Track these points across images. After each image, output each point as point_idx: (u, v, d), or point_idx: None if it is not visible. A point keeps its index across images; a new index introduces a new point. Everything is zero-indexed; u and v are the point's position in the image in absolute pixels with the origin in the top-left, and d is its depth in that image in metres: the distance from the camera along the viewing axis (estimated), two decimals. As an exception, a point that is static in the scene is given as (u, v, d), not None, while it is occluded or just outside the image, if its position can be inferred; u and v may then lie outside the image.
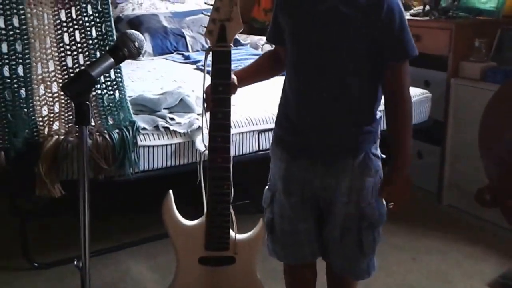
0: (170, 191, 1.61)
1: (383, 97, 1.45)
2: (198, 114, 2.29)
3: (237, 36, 4.30)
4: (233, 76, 1.49)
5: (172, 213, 1.60)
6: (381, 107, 1.45)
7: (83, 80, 1.34)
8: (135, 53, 1.44)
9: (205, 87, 1.48)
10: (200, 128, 2.17)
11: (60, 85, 2.04)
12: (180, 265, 1.62)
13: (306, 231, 1.53)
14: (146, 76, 3.06)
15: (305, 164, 1.46)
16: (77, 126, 1.55)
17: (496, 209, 2.64)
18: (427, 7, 3.00)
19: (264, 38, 3.78)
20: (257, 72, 1.63)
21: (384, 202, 1.50)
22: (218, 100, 1.45)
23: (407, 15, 3.14)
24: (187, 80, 2.87)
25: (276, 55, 1.58)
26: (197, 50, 3.90)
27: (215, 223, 1.56)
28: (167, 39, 4.04)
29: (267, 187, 1.59)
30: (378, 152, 1.49)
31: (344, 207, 1.46)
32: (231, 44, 1.43)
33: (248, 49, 4.05)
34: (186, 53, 3.81)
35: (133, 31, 1.46)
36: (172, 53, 3.96)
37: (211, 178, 1.51)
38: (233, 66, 3.06)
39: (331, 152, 1.43)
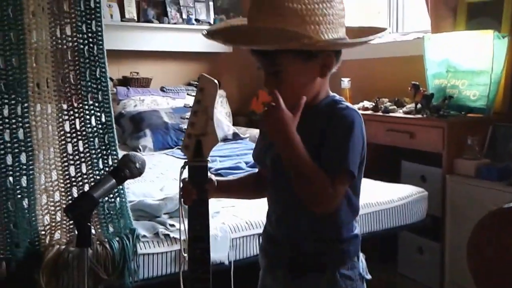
0: None
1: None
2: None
3: (236, 130, 4.44)
4: (214, 178, 1.51)
5: None
6: (358, 228, 1.48)
7: (85, 202, 1.38)
8: (137, 174, 1.50)
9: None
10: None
11: (63, 196, 2.08)
12: None
13: None
14: (146, 174, 3.09)
15: (277, 274, 1.49)
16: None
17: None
18: (419, 105, 3.09)
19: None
20: (238, 188, 1.65)
21: None
22: (195, 213, 1.45)
23: (399, 112, 3.25)
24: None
25: (259, 177, 1.61)
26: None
27: None
28: (167, 135, 4.14)
29: None
30: (353, 273, 1.45)
31: None
32: (208, 159, 1.46)
33: (248, 143, 4.14)
34: (186, 149, 3.88)
35: (135, 153, 1.52)
36: (172, 148, 4.05)
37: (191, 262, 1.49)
38: (233, 163, 3.11)
39: (299, 267, 1.45)
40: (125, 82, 4.72)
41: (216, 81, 1.45)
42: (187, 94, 4.74)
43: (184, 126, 4.44)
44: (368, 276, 1.51)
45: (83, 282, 1.39)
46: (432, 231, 3.03)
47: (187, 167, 1.46)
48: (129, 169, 1.46)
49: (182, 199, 1.47)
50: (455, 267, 2.86)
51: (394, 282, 3.18)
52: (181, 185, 1.47)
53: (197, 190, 1.44)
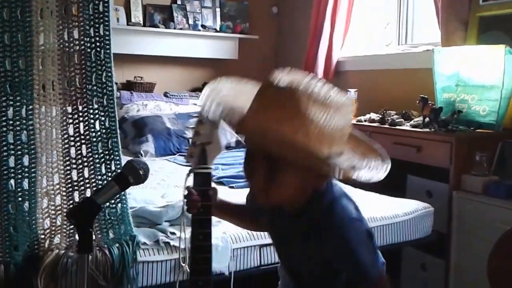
0: None
1: None
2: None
3: (239, 137, 4.40)
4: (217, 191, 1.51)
5: None
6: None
7: (88, 208, 1.36)
8: (140, 180, 1.47)
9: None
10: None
11: (65, 200, 2.05)
12: None
13: None
14: (147, 180, 3.05)
15: None
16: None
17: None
18: (427, 119, 3.05)
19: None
20: (238, 216, 1.62)
21: None
22: (198, 221, 1.45)
23: (407, 126, 3.21)
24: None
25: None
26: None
27: None
28: (170, 141, 4.11)
29: None
30: None
31: None
32: (212, 166, 1.46)
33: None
34: (189, 155, 3.85)
35: (139, 159, 1.50)
36: (174, 154, 4.02)
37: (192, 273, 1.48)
38: (235, 171, 3.07)
39: None
40: (129, 86, 4.70)
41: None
42: (191, 101, 4.71)
43: (189, 135, 4.42)
44: None
45: (82, 288, 1.36)
46: (436, 248, 2.99)
47: (191, 174, 1.45)
48: (133, 175, 1.44)
49: (185, 207, 1.45)
50: (460, 285, 2.81)
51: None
52: (186, 192, 1.45)
53: (202, 198, 1.42)
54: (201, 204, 1.43)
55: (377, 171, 1.28)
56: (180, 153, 3.98)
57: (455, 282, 2.85)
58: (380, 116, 3.40)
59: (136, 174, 1.44)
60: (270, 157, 1.21)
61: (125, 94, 4.53)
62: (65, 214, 1.98)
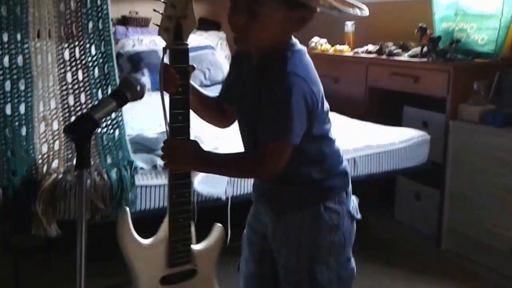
0: (127, 208, 1.57)
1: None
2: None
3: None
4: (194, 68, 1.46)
5: (130, 233, 1.53)
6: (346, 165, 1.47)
7: (85, 123, 1.35)
8: (137, 96, 1.45)
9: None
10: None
11: (61, 123, 2.05)
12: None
13: (259, 279, 1.53)
14: (144, 112, 3.06)
15: (262, 211, 1.48)
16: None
17: (498, 256, 2.62)
18: (425, 48, 3.02)
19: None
20: (204, 105, 1.55)
21: None
22: (177, 101, 1.41)
23: (404, 56, 3.18)
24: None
25: (223, 107, 1.55)
26: (195, 87, 3.93)
27: (178, 236, 1.53)
28: (166, 75, 4.06)
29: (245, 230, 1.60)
30: (340, 208, 1.43)
31: (295, 264, 1.43)
32: (187, 42, 1.40)
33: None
34: (185, 89, 3.83)
35: (136, 75, 1.47)
36: (171, 88, 3.99)
37: (172, 187, 1.48)
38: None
39: (278, 205, 1.44)
40: (124, 21, 4.62)
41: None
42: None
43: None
44: (358, 216, 1.48)
45: (81, 207, 1.37)
46: (430, 178, 3.02)
47: (167, 51, 1.39)
48: (130, 91, 1.41)
49: (163, 86, 1.41)
50: (455, 214, 2.85)
51: (391, 229, 3.19)
52: (162, 69, 1.40)
53: (180, 76, 1.38)
54: (180, 83, 1.39)
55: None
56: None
57: (449, 211, 2.89)
58: (378, 47, 3.36)
59: (133, 90, 1.42)
60: None
61: (120, 29, 4.45)
62: (62, 129, 1.96)
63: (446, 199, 2.90)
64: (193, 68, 1.44)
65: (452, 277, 2.63)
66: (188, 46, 1.40)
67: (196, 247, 1.59)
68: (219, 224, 1.66)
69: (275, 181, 1.41)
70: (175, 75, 1.38)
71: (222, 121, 1.58)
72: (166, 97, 1.44)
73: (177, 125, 1.42)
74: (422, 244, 2.99)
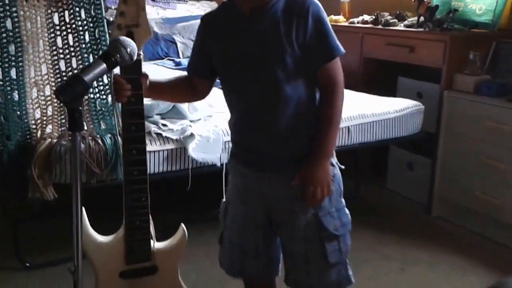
0: (83, 208, 1.54)
1: None
2: (191, 121, 2.29)
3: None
4: (147, 75, 1.44)
5: (85, 230, 1.54)
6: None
7: (76, 85, 1.33)
8: (127, 59, 1.43)
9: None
10: (193, 135, 2.17)
11: (53, 89, 2.04)
12: (100, 283, 1.58)
13: (253, 244, 1.54)
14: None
15: (259, 175, 1.47)
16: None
17: (486, 222, 2.66)
18: (422, 18, 3.00)
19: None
20: (171, 90, 1.56)
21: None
22: (129, 112, 1.40)
23: (400, 26, 3.16)
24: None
25: (192, 83, 1.54)
26: (188, 56, 3.91)
27: (134, 237, 1.53)
28: (158, 45, 4.04)
29: (223, 199, 1.60)
30: (334, 160, 1.48)
31: (301, 218, 1.45)
32: (141, 52, 1.38)
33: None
34: (177, 59, 3.82)
35: (126, 37, 1.45)
36: (163, 59, 3.97)
37: (128, 192, 1.48)
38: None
39: (280, 161, 1.44)
40: (116, -11, 4.56)
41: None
42: (178, 5, 4.58)
43: (177, 38, 4.28)
44: (342, 166, 1.53)
45: (76, 169, 1.37)
46: (422, 148, 3.03)
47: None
48: (119, 53, 1.39)
49: (114, 96, 1.40)
50: (446, 183, 2.87)
51: (383, 197, 3.21)
52: (112, 80, 1.39)
53: (132, 86, 1.36)
54: (132, 93, 1.37)
55: None
56: (169, 57, 3.93)
57: (440, 180, 2.90)
58: (374, 17, 3.33)
59: (123, 52, 1.40)
60: None
61: (111, -3, 4.40)
62: (53, 91, 1.95)
63: (438, 168, 2.91)
64: (146, 77, 1.42)
65: (442, 242, 2.67)
66: (141, 57, 1.37)
67: (158, 245, 1.59)
68: (183, 224, 1.65)
69: (276, 139, 1.42)
70: (126, 85, 1.36)
71: (193, 96, 1.59)
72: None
73: (131, 134, 1.40)
74: (413, 211, 3.02)
